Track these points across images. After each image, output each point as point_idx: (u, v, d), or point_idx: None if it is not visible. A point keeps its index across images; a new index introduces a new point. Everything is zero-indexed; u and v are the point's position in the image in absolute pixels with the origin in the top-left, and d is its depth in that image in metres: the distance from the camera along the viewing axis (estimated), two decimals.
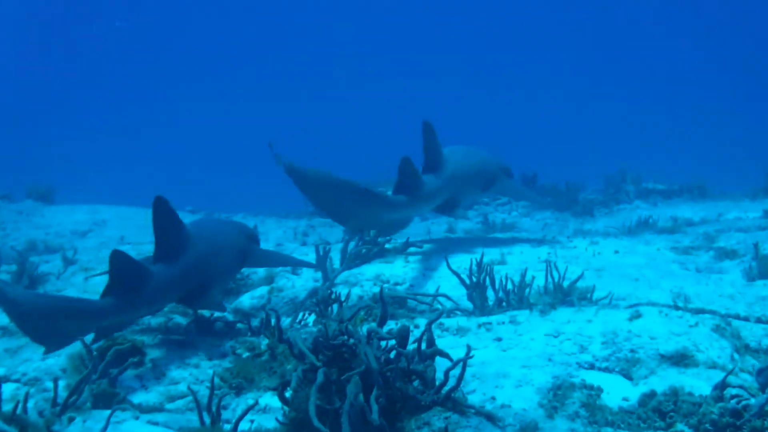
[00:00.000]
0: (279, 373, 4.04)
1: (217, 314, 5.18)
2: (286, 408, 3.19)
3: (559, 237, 8.36)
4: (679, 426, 3.15)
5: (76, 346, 4.31)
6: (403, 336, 3.39)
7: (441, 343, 4.04)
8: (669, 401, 3.28)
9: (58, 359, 4.48)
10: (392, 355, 3.25)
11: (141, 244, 8.82)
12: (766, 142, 24.16)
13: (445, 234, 9.81)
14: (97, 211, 11.70)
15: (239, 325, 5.14)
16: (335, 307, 5.15)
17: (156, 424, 3.64)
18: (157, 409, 3.87)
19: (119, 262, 4.34)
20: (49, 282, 7.12)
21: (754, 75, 36.71)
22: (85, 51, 41.95)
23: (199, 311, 5.14)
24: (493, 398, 3.47)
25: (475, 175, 7.97)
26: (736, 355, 4.05)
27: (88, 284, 6.79)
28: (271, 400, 3.83)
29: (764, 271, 6.00)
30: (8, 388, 4.04)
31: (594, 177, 13.40)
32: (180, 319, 5.32)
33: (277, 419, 3.20)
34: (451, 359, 3.29)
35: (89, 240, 10.34)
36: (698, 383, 3.59)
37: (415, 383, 3.28)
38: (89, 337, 4.65)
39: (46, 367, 4.44)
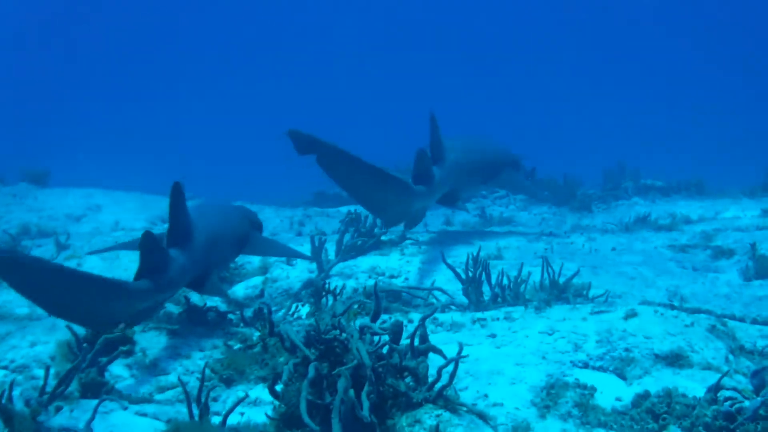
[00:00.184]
0: (271, 365, 3.99)
1: (209, 304, 5.13)
2: (276, 402, 3.16)
3: (557, 232, 8.32)
4: (672, 428, 3.13)
5: (65, 334, 4.26)
6: (396, 331, 3.35)
7: (435, 338, 4.00)
8: (662, 403, 3.25)
9: (47, 346, 4.43)
10: (385, 350, 3.21)
11: (135, 231, 8.74)
12: (765, 140, 24.14)
13: (443, 227, 9.76)
14: (92, 195, 11.59)
15: (231, 316, 5.10)
16: (330, 298, 5.11)
17: (144, 415, 3.60)
18: (147, 399, 3.83)
19: (149, 245, 4.25)
20: None
21: (754, 71, 36.64)
22: (81, 39, 41.66)
23: (192, 301, 5.10)
24: (486, 396, 3.44)
25: (479, 166, 7.94)
26: (731, 357, 4.02)
27: (82, 270, 6.72)
28: (261, 392, 3.80)
29: (761, 271, 5.98)
30: None
31: (592, 173, 13.35)
32: (172, 308, 5.27)
33: (266, 414, 3.16)
34: (444, 356, 3.26)
35: (83, 225, 10.25)
36: (692, 384, 3.56)
37: (408, 380, 3.24)
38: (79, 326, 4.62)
39: (34, 354, 4.39)
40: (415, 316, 4.72)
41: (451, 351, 3.28)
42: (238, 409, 3.45)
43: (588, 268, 6.03)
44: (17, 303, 5.91)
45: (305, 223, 9.98)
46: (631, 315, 4.44)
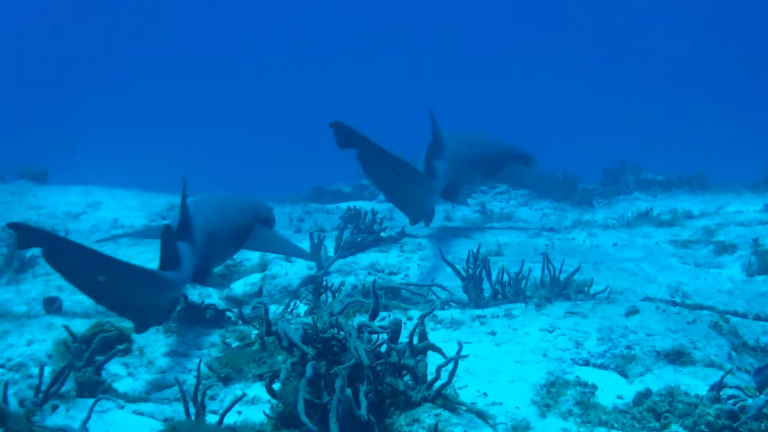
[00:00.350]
0: (269, 364, 3.96)
1: (207, 302, 5.10)
2: (274, 401, 3.13)
3: (557, 228, 8.27)
4: (674, 427, 3.08)
5: (62, 332, 4.23)
6: (394, 330, 3.31)
7: (434, 336, 3.97)
8: (664, 401, 3.21)
9: (44, 345, 4.40)
10: (383, 349, 3.18)
11: (135, 229, 8.70)
12: (766, 135, 24.03)
13: (442, 222, 9.72)
14: (91, 193, 11.54)
15: (229, 314, 5.06)
16: (329, 295, 5.08)
17: (141, 414, 3.57)
18: (143, 398, 3.79)
19: (169, 237, 4.32)
20: (39, 264, 7.02)
21: (755, 66, 36.50)
22: (78, 38, 41.54)
23: (190, 299, 5.06)
24: (485, 394, 3.40)
25: (480, 159, 7.92)
26: (733, 354, 3.99)
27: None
28: (259, 391, 3.76)
29: (764, 266, 5.93)
30: None
31: (592, 170, 13.28)
32: None
33: (264, 413, 3.12)
34: (443, 354, 3.22)
35: (82, 222, 10.21)
36: (694, 382, 3.53)
37: (406, 378, 3.20)
38: (76, 324, 4.59)
39: (31, 352, 4.36)
40: (415, 314, 4.68)
41: (450, 349, 3.24)
42: (236, 407, 3.42)
43: (589, 264, 5.98)
44: (15, 301, 5.89)
45: (305, 219, 9.93)
46: (632, 312, 4.40)
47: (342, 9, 44.16)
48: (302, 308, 5.17)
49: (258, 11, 45.89)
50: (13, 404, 3.40)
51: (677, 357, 3.79)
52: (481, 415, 3.11)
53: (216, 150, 30.37)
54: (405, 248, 6.69)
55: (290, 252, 6.02)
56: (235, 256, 6.12)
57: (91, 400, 3.45)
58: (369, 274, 5.96)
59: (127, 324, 4.65)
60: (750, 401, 3.06)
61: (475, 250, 5.35)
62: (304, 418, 2.74)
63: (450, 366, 3.11)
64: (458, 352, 3.12)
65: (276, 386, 3.15)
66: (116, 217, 10.34)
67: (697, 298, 5.07)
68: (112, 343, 4.11)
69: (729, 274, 5.94)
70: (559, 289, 5.06)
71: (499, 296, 5.00)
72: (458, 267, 5.21)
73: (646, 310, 4.44)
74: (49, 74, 40.68)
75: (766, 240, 6.35)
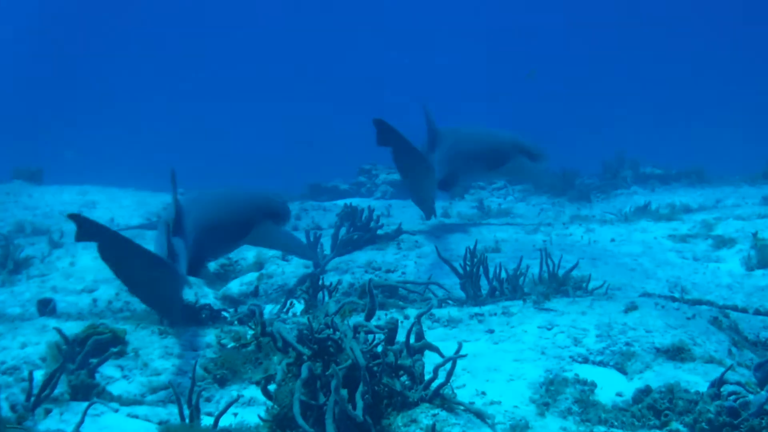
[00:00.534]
0: (264, 365, 3.92)
1: (202, 302, 5.05)
2: (269, 403, 3.09)
3: (555, 224, 8.23)
4: (675, 425, 3.05)
5: (56, 335, 4.17)
6: (391, 329, 3.27)
7: (431, 334, 3.94)
8: (664, 398, 3.17)
9: (37, 347, 4.35)
10: (379, 349, 3.14)
11: (131, 228, 8.64)
12: (766, 126, 24.00)
13: (440, 219, 9.67)
14: (87, 192, 11.50)
15: (225, 314, 5.02)
16: (326, 293, 5.04)
17: (136, 417, 3.53)
18: (138, 401, 3.75)
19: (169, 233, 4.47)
20: (33, 266, 6.97)
21: (755, 59, 36.46)
22: (75, 37, 41.32)
23: (185, 299, 5.02)
24: (484, 393, 3.36)
25: (479, 152, 7.90)
26: (734, 349, 3.96)
27: (74, 269, 6.65)
28: (255, 392, 3.72)
29: (763, 260, 5.90)
30: None
31: (591, 166, 13.23)
32: None
33: (259, 416, 3.08)
34: (441, 354, 3.18)
35: None
36: (694, 378, 3.49)
37: (403, 378, 3.16)
38: (70, 326, 4.54)
39: (24, 355, 4.30)
40: (412, 312, 4.64)
41: (448, 347, 3.20)
42: (232, 409, 3.38)
43: (587, 259, 5.95)
44: (9, 303, 5.85)
45: (302, 216, 9.88)
46: (631, 308, 4.36)
47: (341, 8, 43.99)
48: (299, 307, 5.12)
49: (260, 13, 45.69)
50: (4, 408, 3.35)
51: (677, 353, 3.76)
52: (480, 415, 3.07)
53: (215, 149, 30.26)
54: (402, 246, 6.65)
55: (295, 248, 5.94)
56: (231, 255, 6.08)
57: (85, 404, 3.40)
58: (366, 272, 5.92)
59: (121, 325, 4.62)
60: (751, 397, 3.03)
61: (472, 247, 5.31)
62: (300, 420, 2.70)
63: (448, 365, 3.08)
64: (457, 352, 3.08)
65: (271, 388, 3.11)
66: (112, 217, 10.28)
67: (696, 293, 5.04)
68: (106, 346, 4.05)
69: (728, 269, 5.91)
70: (558, 285, 5.03)
71: (497, 293, 4.96)
72: (455, 264, 5.17)
73: (645, 305, 4.40)
74: (44, 74, 40.46)
75: (766, 233, 6.32)
